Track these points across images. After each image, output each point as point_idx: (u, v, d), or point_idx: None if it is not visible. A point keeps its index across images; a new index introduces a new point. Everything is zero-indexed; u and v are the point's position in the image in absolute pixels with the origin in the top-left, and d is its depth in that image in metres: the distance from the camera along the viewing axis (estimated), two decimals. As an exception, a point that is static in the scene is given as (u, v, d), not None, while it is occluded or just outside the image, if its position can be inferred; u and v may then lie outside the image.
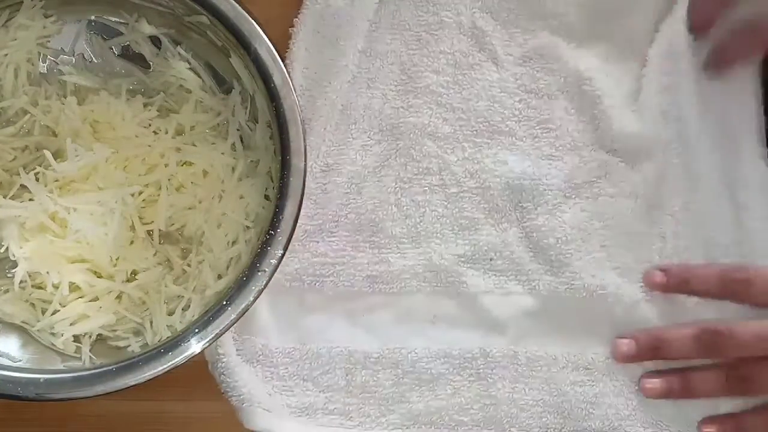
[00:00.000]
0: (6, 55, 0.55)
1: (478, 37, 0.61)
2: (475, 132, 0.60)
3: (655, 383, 0.57)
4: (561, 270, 0.59)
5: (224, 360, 0.55)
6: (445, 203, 0.59)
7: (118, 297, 0.54)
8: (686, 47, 0.59)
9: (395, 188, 0.59)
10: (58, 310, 0.52)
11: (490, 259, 0.59)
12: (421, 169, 0.59)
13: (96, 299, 0.53)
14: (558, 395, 0.57)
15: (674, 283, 0.57)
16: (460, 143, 0.60)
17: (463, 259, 0.59)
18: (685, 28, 0.59)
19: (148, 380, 0.48)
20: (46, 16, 0.55)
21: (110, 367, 0.48)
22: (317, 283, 0.58)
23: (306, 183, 0.51)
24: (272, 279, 0.51)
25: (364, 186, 0.59)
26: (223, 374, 0.55)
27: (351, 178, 0.59)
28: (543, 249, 0.59)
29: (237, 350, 0.56)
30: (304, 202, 0.55)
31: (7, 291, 0.53)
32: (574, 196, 0.59)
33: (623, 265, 0.59)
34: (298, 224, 0.54)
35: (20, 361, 0.51)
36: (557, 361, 0.58)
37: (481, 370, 0.57)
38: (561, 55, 0.60)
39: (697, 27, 0.58)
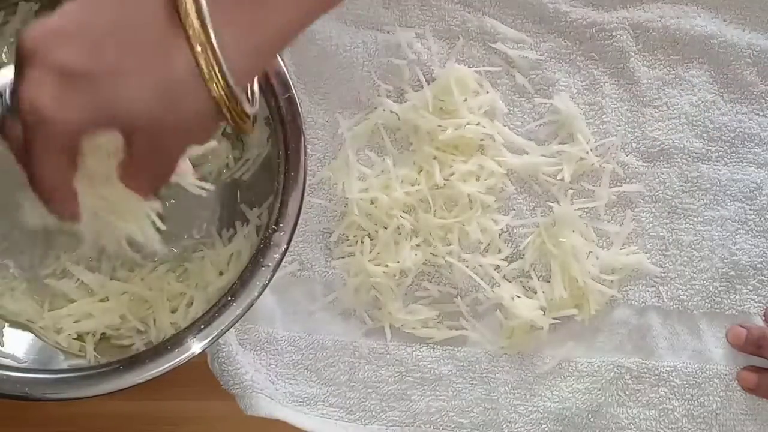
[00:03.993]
0: (5, 61, 0.53)
1: (487, 41, 0.59)
2: None
3: (750, 377, 0.57)
4: None
5: (225, 349, 0.54)
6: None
7: (124, 294, 0.54)
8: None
9: None
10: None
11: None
12: None
13: (106, 299, 0.53)
14: (559, 402, 0.57)
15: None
16: None
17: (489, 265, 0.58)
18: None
19: (153, 378, 0.48)
20: (42, 18, 0.55)
21: (117, 365, 0.48)
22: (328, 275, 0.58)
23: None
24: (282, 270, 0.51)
25: None
26: (224, 363, 0.54)
27: None
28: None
29: (239, 339, 0.56)
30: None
31: (13, 290, 0.53)
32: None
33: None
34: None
35: (26, 362, 0.51)
36: (563, 368, 0.57)
37: (485, 374, 0.57)
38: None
39: None
